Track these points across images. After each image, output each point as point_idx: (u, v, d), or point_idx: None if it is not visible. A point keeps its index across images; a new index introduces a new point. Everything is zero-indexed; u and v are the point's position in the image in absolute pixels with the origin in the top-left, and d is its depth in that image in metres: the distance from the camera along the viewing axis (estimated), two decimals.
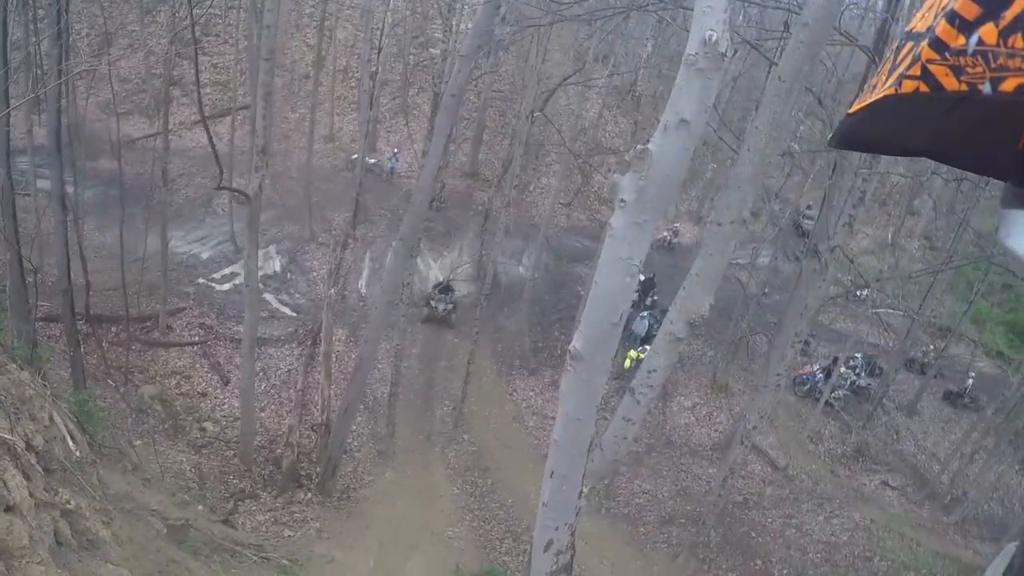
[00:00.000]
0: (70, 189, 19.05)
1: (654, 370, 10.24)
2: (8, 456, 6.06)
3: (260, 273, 20.68)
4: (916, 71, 0.82)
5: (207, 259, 28.70)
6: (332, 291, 21.73)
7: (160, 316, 23.85)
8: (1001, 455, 27.05)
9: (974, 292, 30.29)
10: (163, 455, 18.35)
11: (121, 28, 38.13)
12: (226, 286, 27.13)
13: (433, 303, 28.41)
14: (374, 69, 28.30)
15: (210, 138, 15.71)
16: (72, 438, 7.76)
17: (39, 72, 26.03)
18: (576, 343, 5.07)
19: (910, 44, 0.87)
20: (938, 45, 0.80)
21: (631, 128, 35.24)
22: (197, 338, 24.22)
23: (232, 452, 20.38)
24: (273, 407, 22.44)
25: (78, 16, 33.34)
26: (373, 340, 19.16)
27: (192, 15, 17.31)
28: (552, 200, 32.58)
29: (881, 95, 0.89)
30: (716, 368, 28.74)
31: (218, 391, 22.67)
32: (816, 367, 29.60)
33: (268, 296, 26.39)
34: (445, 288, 28.93)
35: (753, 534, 22.24)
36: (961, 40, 0.77)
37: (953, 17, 0.78)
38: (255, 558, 11.37)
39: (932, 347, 33.11)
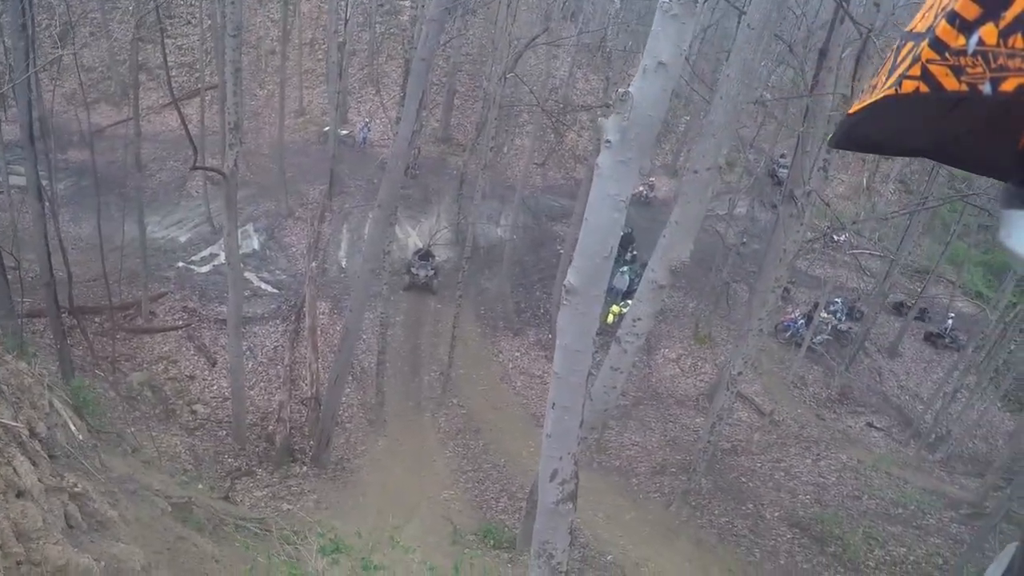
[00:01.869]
0: (44, 182, 18.97)
1: (639, 319, 10.42)
2: (14, 443, 6.17)
3: (239, 252, 20.62)
4: (916, 71, 0.83)
5: (185, 242, 28.57)
6: (312, 265, 21.80)
7: (143, 303, 23.78)
8: (983, 392, 27.64)
9: (951, 233, 30.64)
10: (157, 440, 18.39)
11: (82, 17, 37.63)
12: (206, 268, 27.04)
13: (414, 270, 28.11)
14: (341, 40, 28.11)
15: (182, 119, 15.70)
16: (72, 424, 7.85)
17: (1, 68, 25.82)
18: (570, 277, 5.30)
19: (910, 44, 0.88)
20: (938, 45, 0.80)
21: (602, 85, 35.25)
22: (181, 322, 24.17)
23: (225, 432, 20.49)
24: (262, 384, 22.51)
25: (38, 7, 32.97)
26: (357, 310, 19.21)
27: None
28: (526, 161, 32.57)
29: (881, 95, 0.90)
30: (698, 319, 29.00)
31: (206, 373, 22.69)
32: (797, 313, 29.95)
33: (249, 274, 26.31)
34: (425, 255, 28.52)
35: (743, 479, 22.55)
36: (961, 40, 0.78)
37: (953, 17, 0.78)
38: (258, 531, 11.51)
39: (913, 292, 33.55)
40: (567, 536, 6.52)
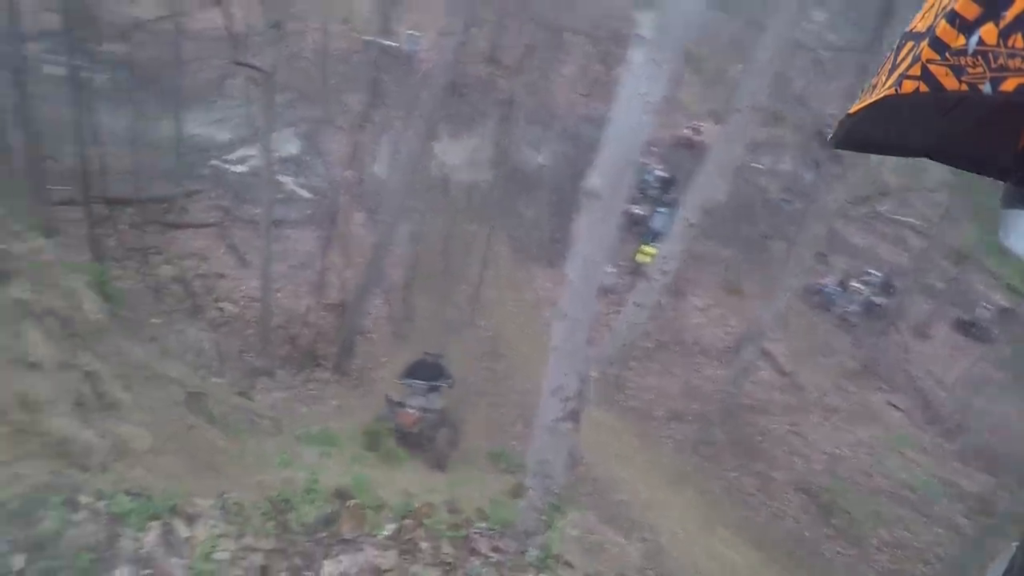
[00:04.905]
0: (83, 73, 19.01)
1: (668, 257, 10.30)
2: (30, 318, 6.19)
3: (277, 155, 20.55)
4: (916, 71, 0.83)
5: (222, 142, 28.43)
6: (349, 173, 21.68)
7: (176, 198, 23.86)
8: (1007, 390, 27.12)
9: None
10: (183, 333, 18.60)
11: None
12: (242, 168, 26.96)
13: (404, 403, 15.30)
14: None
15: (225, 14, 15.55)
16: (93, 306, 7.88)
17: None
18: (592, 180, 5.03)
19: (910, 44, 0.88)
20: (938, 45, 0.80)
21: None
22: (213, 220, 24.25)
23: (250, 331, 20.62)
24: (291, 288, 22.56)
25: None
26: (391, 222, 19.18)
27: None
28: (572, 88, 32.11)
29: (881, 95, 0.89)
30: (731, 270, 28.68)
31: (236, 272, 22.78)
32: (832, 279, 29.54)
33: (286, 178, 26.27)
34: (433, 372, 16.40)
35: (758, 437, 22.42)
36: (961, 40, 0.77)
37: (953, 17, 0.78)
38: (271, 429, 11.62)
39: (948, 273, 32.88)
40: (566, 457, 6.40)
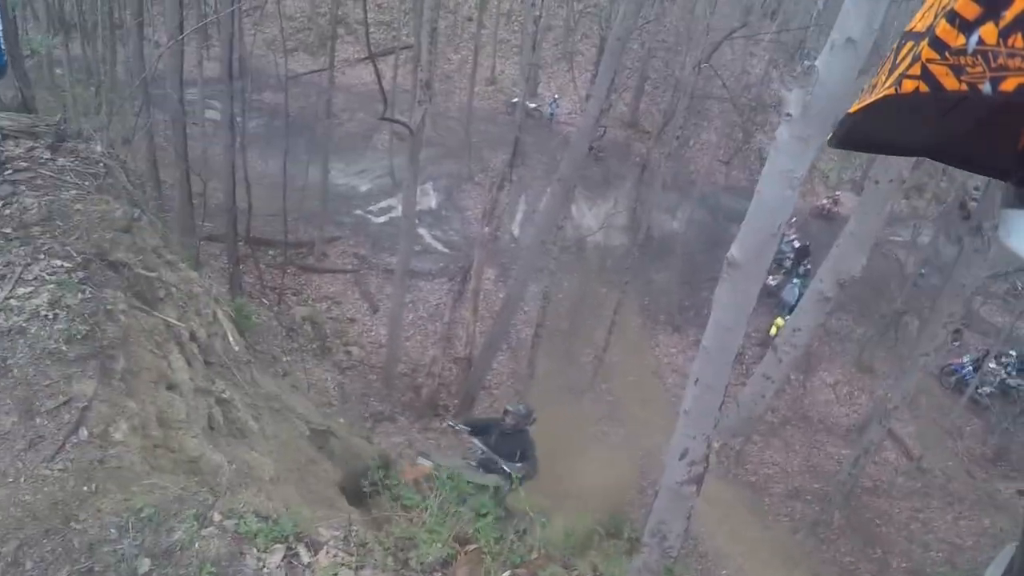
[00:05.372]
0: (238, 118, 20.08)
1: (799, 329, 10.11)
2: (174, 342, 6.50)
3: (416, 208, 21.15)
4: (916, 71, 0.83)
5: (365, 192, 29.52)
6: (486, 230, 22.02)
7: (316, 243, 24.76)
8: None
9: None
10: (310, 372, 19.12)
11: None
12: (382, 219, 27.88)
13: (427, 456, 12.14)
14: (537, 14, 28.23)
15: (377, 73, 16.21)
16: (232, 336, 8.20)
17: (207, 9, 27.36)
18: (734, 250, 5.17)
19: (910, 44, 0.88)
20: (938, 45, 0.80)
21: None
22: (350, 266, 25.09)
23: (375, 376, 21.12)
24: (419, 338, 23.03)
25: None
26: (522, 280, 19.41)
27: None
28: (711, 157, 32.00)
29: (881, 95, 0.90)
30: (863, 346, 27.74)
31: (366, 318, 23.46)
32: (966, 359, 28.10)
33: (422, 231, 26.96)
34: (487, 459, 11.26)
35: (877, 522, 21.55)
36: (961, 40, 0.77)
37: (953, 17, 0.78)
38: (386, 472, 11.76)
39: None
40: (684, 521, 6.38)
